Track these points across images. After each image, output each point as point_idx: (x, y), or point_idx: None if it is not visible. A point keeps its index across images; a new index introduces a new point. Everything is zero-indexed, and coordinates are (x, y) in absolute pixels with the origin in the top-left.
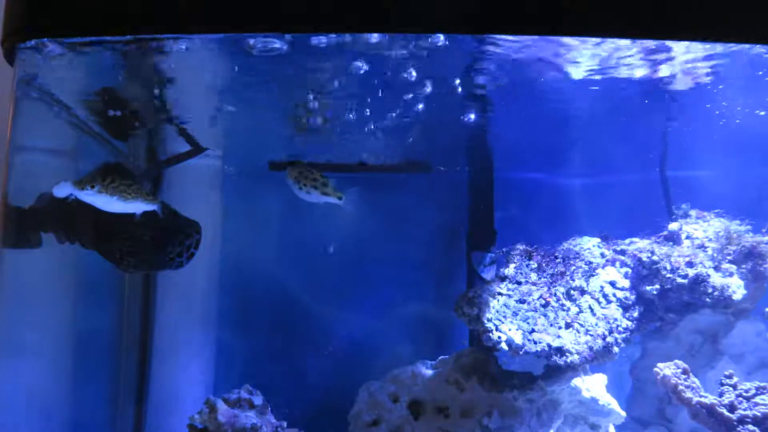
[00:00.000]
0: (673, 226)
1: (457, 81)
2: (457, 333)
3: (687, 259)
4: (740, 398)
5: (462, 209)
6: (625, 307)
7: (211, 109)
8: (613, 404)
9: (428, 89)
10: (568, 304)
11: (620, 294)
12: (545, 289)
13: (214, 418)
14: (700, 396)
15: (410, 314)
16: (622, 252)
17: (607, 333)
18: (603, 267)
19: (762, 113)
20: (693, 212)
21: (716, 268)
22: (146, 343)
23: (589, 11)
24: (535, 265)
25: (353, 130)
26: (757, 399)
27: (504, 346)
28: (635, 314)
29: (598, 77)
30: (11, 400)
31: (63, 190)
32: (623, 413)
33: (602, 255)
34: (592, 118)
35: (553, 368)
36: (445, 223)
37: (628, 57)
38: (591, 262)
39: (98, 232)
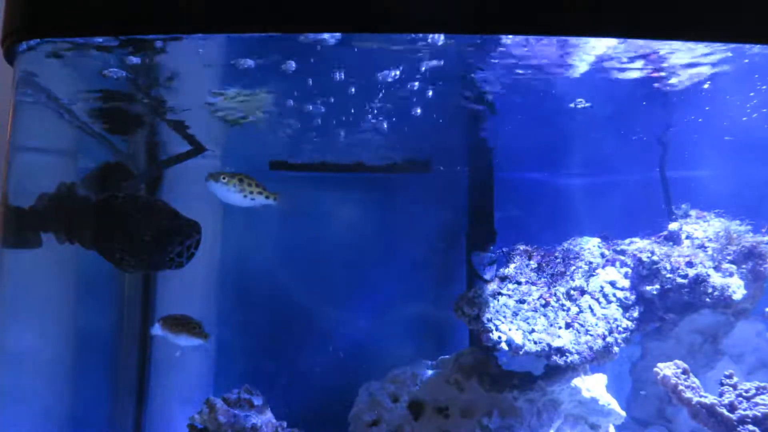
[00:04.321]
0: (673, 226)
1: (457, 81)
2: (457, 333)
3: (687, 259)
4: (740, 398)
5: (462, 209)
6: (625, 307)
7: (211, 108)
8: (613, 404)
9: (428, 89)
10: (568, 304)
11: (620, 294)
12: (545, 289)
13: (214, 418)
14: (700, 396)
15: (410, 314)
16: (622, 252)
17: (607, 333)
18: (603, 267)
19: (756, 113)
20: (693, 212)
21: (716, 268)
22: (146, 343)
23: (589, 11)
24: (535, 265)
25: (353, 130)
26: (757, 399)
27: (504, 346)
28: (635, 314)
29: (598, 77)
30: (11, 399)
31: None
32: (623, 413)
33: (602, 255)
34: (593, 118)
35: (553, 368)
36: (445, 223)
37: (628, 57)
38: (591, 262)
39: (98, 232)
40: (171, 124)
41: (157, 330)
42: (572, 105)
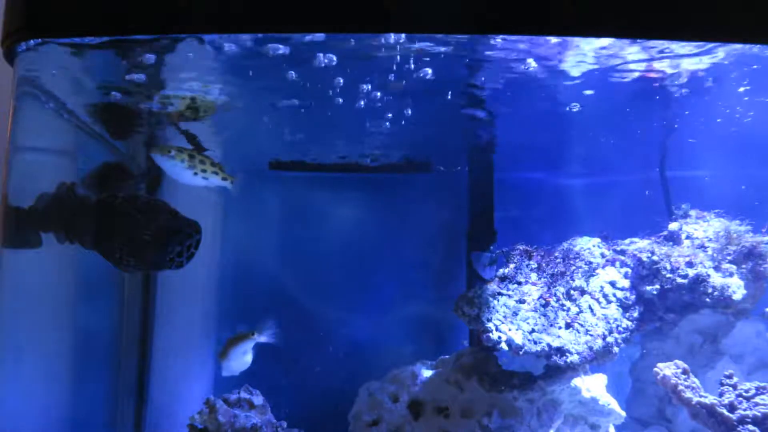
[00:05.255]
0: (673, 226)
1: (457, 81)
2: (457, 333)
3: (687, 259)
4: (740, 398)
5: (462, 209)
6: (625, 307)
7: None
8: (613, 404)
9: (428, 89)
10: (568, 304)
11: (620, 294)
12: (545, 289)
13: (214, 418)
14: (700, 396)
15: (410, 314)
16: (622, 252)
17: (607, 333)
18: (603, 267)
19: (756, 113)
20: (693, 212)
21: (716, 268)
22: (146, 343)
23: (589, 11)
24: (535, 265)
25: (353, 131)
26: (757, 399)
27: (504, 346)
28: (635, 314)
29: (598, 77)
30: (11, 399)
31: None
32: (623, 413)
33: (602, 255)
34: (592, 118)
35: (553, 368)
36: (445, 223)
37: (628, 56)
38: (591, 262)
39: (98, 232)
40: (172, 123)
41: (230, 369)
42: (567, 109)
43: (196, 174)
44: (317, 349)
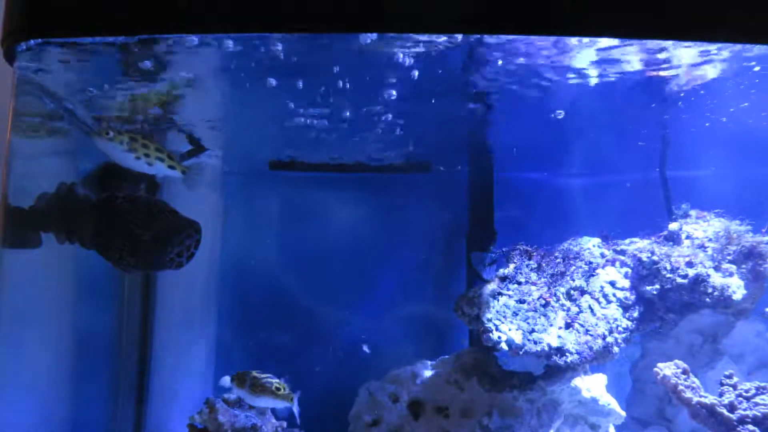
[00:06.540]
0: (673, 226)
1: (457, 81)
2: (457, 333)
3: (687, 259)
4: (740, 398)
5: (462, 209)
6: (625, 307)
7: (212, 108)
8: (613, 404)
9: (428, 89)
10: (568, 304)
11: (620, 294)
12: (545, 289)
13: (214, 418)
14: (700, 396)
15: (410, 314)
16: (622, 252)
17: (607, 333)
18: (603, 267)
19: (756, 113)
20: (693, 212)
21: (716, 268)
22: (146, 342)
23: (589, 11)
24: (535, 265)
25: (353, 131)
26: (757, 399)
27: (504, 346)
28: (635, 314)
29: (598, 76)
30: (11, 399)
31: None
32: (623, 413)
33: (602, 255)
34: (592, 118)
35: (553, 368)
36: (445, 223)
37: (628, 56)
38: (591, 262)
39: (98, 232)
40: (172, 124)
41: (226, 383)
42: (567, 109)
43: (138, 158)
44: (317, 349)
